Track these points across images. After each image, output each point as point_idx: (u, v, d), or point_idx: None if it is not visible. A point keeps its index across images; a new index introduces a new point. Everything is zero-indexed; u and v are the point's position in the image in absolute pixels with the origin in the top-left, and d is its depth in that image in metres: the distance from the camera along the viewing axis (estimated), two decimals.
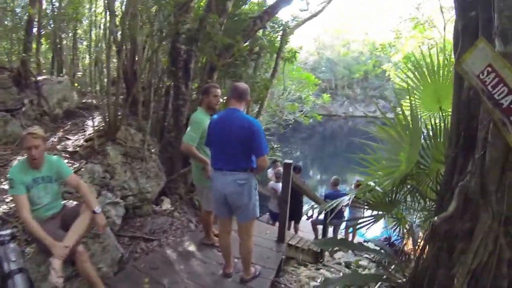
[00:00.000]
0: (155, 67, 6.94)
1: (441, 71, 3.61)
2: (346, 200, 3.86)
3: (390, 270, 3.33)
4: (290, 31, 8.74)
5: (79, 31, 10.83)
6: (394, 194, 3.47)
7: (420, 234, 3.67)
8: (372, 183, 3.18)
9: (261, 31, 8.13)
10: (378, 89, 45.84)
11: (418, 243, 3.39)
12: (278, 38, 8.62)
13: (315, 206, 8.18)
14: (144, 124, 6.08)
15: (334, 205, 3.84)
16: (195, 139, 3.91)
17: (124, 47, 6.21)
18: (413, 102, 3.81)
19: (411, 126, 3.36)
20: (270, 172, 10.38)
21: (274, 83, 9.29)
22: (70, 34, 10.44)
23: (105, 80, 6.04)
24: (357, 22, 50.86)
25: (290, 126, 17.89)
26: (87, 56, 10.86)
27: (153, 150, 6.03)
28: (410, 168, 3.25)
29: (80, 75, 10.58)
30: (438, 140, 3.47)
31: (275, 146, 13.33)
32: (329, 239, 4.54)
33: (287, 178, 4.79)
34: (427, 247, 2.87)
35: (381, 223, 4.05)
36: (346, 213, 8.37)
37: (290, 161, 4.89)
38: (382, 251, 3.44)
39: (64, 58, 10.15)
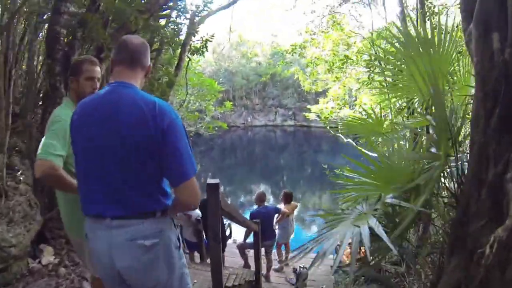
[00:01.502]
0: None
1: (435, 39, 2.57)
2: None
3: None
4: (200, 19, 7.33)
5: None
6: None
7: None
8: (395, 200, 1.91)
9: (163, 21, 6.63)
10: (276, 98, 46.83)
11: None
12: (184, 29, 7.04)
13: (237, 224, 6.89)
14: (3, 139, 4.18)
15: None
16: (58, 150, 1.99)
17: None
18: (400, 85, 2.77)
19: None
20: None
21: (175, 84, 7.69)
22: None
23: None
24: (261, 29, 51.62)
25: (191, 138, 16.58)
26: None
27: (21, 178, 4.15)
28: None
29: None
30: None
31: None
32: None
33: (214, 206, 3.02)
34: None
35: None
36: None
37: (216, 180, 3.07)
38: None
39: None
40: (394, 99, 7.58)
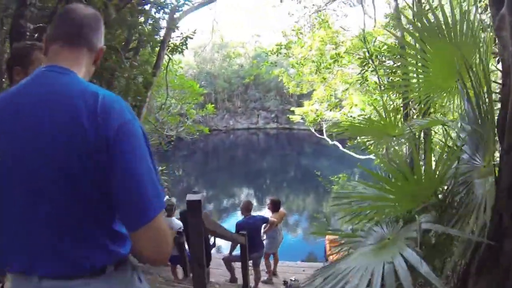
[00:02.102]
0: None
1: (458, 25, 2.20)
2: None
3: None
4: (180, 15, 6.79)
5: None
6: None
7: None
8: (440, 227, 1.48)
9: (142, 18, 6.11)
10: (259, 101, 46.38)
11: None
12: (164, 25, 6.43)
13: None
14: None
15: None
16: None
17: None
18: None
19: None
20: None
21: (154, 84, 7.00)
22: None
23: None
24: (245, 29, 51.32)
25: (172, 143, 16.09)
26: None
27: None
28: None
29: None
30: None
31: (160, 168, 9.49)
32: None
33: (196, 227, 2.54)
34: None
35: None
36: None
37: (197, 196, 2.54)
38: None
39: None
40: (389, 99, 7.28)
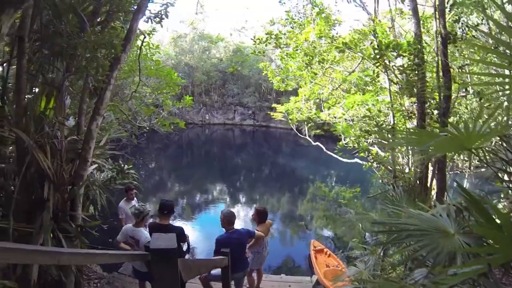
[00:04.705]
0: None
1: None
2: None
3: None
4: None
5: None
6: None
7: None
8: None
9: None
10: (236, 97, 45.41)
11: None
12: None
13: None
14: None
15: None
16: None
17: None
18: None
19: None
20: (123, 210, 6.98)
21: (125, 60, 5.64)
22: None
23: None
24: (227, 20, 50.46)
25: (145, 135, 15.04)
26: None
27: None
28: None
29: None
30: None
31: (126, 167, 7.76)
32: None
33: (171, 282, 1.78)
34: None
35: None
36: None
37: (169, 240, 1.81)
38: None
39: None
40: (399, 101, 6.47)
